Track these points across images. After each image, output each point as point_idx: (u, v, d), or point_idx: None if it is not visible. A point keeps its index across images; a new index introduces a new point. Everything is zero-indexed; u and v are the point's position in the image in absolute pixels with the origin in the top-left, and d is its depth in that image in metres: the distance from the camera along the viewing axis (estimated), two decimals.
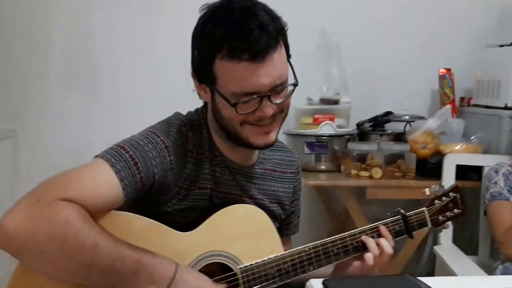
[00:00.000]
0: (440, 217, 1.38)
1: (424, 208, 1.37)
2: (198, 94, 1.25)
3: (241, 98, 1.13)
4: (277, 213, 1.38)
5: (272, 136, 1.22)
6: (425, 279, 0.96)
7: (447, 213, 1.38)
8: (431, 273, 2.49)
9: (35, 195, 1.02)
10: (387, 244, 1.28)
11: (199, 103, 1.32)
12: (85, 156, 1.18)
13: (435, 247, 2.19)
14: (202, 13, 1.17)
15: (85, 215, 1.02)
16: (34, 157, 2.69)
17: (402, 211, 1.34)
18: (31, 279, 1.04)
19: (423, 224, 1.36)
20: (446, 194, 1.39)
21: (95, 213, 1.06)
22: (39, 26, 2.67)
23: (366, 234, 1.30)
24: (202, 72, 1.18)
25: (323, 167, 2.47)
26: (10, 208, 1.01)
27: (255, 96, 1.13)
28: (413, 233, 1.35)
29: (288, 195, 1.41)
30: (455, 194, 1.40)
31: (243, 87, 1.12)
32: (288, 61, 1.19)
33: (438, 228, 1.38)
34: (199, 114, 1.28)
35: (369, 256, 1.26)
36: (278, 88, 1.14)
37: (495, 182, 2.03)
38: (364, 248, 1.28)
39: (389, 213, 1.36)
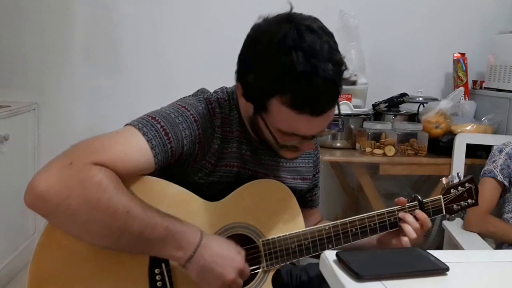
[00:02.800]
0: (455, 206, 1.39)
1: (440, 196, 1.38)
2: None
3: (286, 136, 1.15)
4: (300, 188, 1.40)
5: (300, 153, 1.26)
6: (433, 252, 0.95)
7: (462, 203, 1.40)
8: (439, 247, 2.54)
9: (68, 158, 1.01)
10: (424, 217, 1.31)
11: (220, 83, 1.34)
12: (107, 129, 1.14)
13: (444, 222, 2.22)
14: (269, 37, 1.09)
15: (117, 181, 1.03)
16: (57, 130, 2.77)
17: (419, 197, 1.35)
18: (60, 239, 1.05)
19: (438, 211, 1.37)
20: (461, 184, 1.41)
21: (128, 178, 1.07)
22: (62, 3, 2.73)
23: (383, 218, 1.31)
24: (253, 97, 1.15)
25: (338, 144, 2.52)
26: (41, 169, 1.00)
27: (301, 138, 1.15)
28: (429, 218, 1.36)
29: (309, 169, 1.43)
30: (470, 185, 1.42)
31: (293, 130, 1.13)
32: None
33: (451, 216, 1.40)
34: (229, 94, 1.28)
35: (408, 229, 1.28)
36: (323, 133, 1.18)
37: (494, 161, 2.07)
38: (381, 229, 1.30)
39: (407, 199, 1.36)
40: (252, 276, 1.23)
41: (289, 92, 1.06)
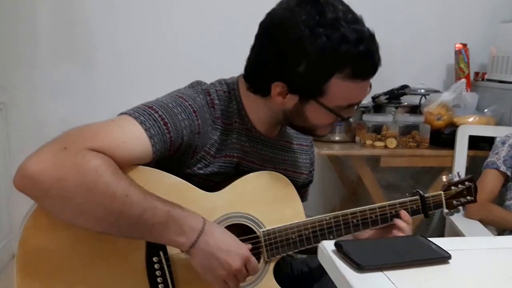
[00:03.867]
0: (454, 202, 1.44)
1: (441, 192, 1.43)
2: (254, 85, 1.21)
3: (343, 109, 1.17)
4: (298, 181, 1.40)
5: None
6: (435, 240, 0.96)
7: (461, 199, 1.45)
8: (441, 235, 2.55)
9: (62, 143, 0.98)
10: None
11: (201, 75, 1.32)
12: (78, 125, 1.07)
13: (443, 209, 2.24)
14: (303, 21, 1.08)
15: (115, 166, 1.01)
16: (27, 129, 2.62)
17: (420, 192, 1.39)
18: (48, 224, 1.03)
19: (438, 205, 1.41)
20: (462, 182, 1.46)
21: (124, 166, 1.04)
22: None
23: (385, 210, 1.32)
24: (305, 87, 1.14)
25: (337, 138, 2.49)
26: (32, 153, 0.97)
27: (355, 106, 1.19)
28: (429, 212, 1.40)
29: (306, 165, 1.44)
30: (470, 183, 1.47)
31: (351, 100, 1.16)
32: None
33: (451, 211, 1.45)
34: (229, 85, 1.27)
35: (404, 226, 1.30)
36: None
37: (497, 153, 2.08)
38: (382, 222, 1.31)
39: (407, 194, 1.39)
40: None
41: (349, 65, 1.08)
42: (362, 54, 1.09)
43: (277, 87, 1.15)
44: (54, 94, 2.67)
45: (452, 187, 1.44)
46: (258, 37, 1.18)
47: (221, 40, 2.63)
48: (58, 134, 1.03)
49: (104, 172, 0.98)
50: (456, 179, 1.47)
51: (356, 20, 1.10)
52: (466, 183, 1.47)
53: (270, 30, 1.14)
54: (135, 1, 2.65)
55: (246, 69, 1.22)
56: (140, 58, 2.68)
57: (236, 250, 1.10)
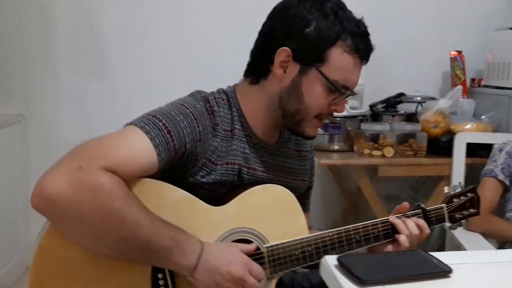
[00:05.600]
0: (457, 215, 1.39)
1: (443, 205, 1.38)
2: (256, 68, 1.27)
3: (336, 91, 1.22)
4: (300, 188, 1.41)
5: (318, 131, 1.33)
6: (436, 254, 0.97)
7: (464, 212, 1.40)
8: (441, 249, 2.54)
9: (76, 161, 1.01)
10: (413, 226, 1.29)
11: (210, 87, 1.34)
12: (96, 136, 1.13)
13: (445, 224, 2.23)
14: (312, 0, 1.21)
15: (127, 189, 1.04)
16: (45, 141, 2.72)
17: (422, 205, 1.35)
18: (61, 242, 1.05)
19: (441, 219, 1.37)
20: (464, 193, 1.41)
21: (133, 179, 1.08)
22: (43, 11, 2.67)
23: (387, 226, 1.30)
24: (310, 50, 1.20)
25: (336, 147, 2.51)
26: (49, 171, 1.00)
27: (348, 92, 1.24)
28: (431, 227, 1.35)
29: (306, 171, 1.45)
30: (472, 195, 1.41)
31: (346, 79, 1.22)
32: None
33: (453, 225, 1.40)
34: (227, 93, 1.30)
35: (403, 238, 1.26)
36: (354, 92, 1.27)
37: (494, 160, 2.06)
38: (384, 237, 1.29)
39: (409, 205, 1.35)
40: None
41: (351, 38, 1.19)
42: (361, 33, 1.21)
43: (281, 54, 1.20)
44: (72, 106, 2.77)
45: (454, 199, 1.39)
46: (265, 21, 1.27)
47: (230, 51, 2.66)
48: (75, 145, 1.07)
49: (118, 197, 1.01)
50: (458, 190, 1.41)
51: (353, 13, 1.25)
52: (469, 194, 1.42)
53: (277, 8, 1.25)
54: (147, 18, 2.76)
55: (249, 60, 1.30)
56: (152, 71, 2.79)
57: (235, 259, 1.12)
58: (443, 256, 0.95)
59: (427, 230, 1.30)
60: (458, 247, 1.97)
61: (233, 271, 1.10)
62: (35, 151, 2.73)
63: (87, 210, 0.98)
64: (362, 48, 1.21)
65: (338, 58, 1.19)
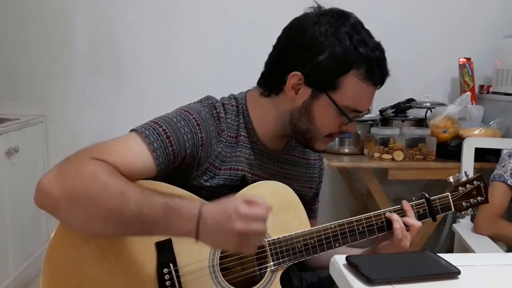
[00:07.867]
0: (464, 203, 1.38)
1: (448, 193, 1.37)
2: (269, 83, 1.26)
3: (349, 113, 1.22)
4: (305, 195, 1.41)
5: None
6: (444, 255, 0.95)
7: (471, 200, 1.39)
8: (450, 251, 2.56)
9: (68, 157, 1.06)
10: (410, 220, 1.29)
11: (227, 90, 1.37)
12: (113, 137, 1.17)
13: (454, 225, 2.23)
14: (331, 19, 1.19)
15: (112, 169, 1.04)
16: (65, 140, 2.85)
17: (426, 195, 1.34)
18: (69, 241, 1.09)
19: (447, 208, 1.36)
20: (470, 182, 1.39)
21: (129, 178, 1.07)
22: (66, 20, 2.82)
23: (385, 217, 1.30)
24: (322, 77, 1.19)
25: (346, 150, 2.53)
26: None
27: (359, 114, 1.24)
28: (437, 216, 1.35)
29: (314, 179, 1.45)
30: (478, 183, 1.40)
31: (358, 105, 1.21)
32: None
33: (461, 213, 1.39)
34: (238, 100, 1.31)
35: (396, 231, 1.27)
36: (366, 113, 1.28)
37: (503, 166, 2.07)
38: (388, 228, 1.29)
39: (413, 198, 1.36)
40: (260, 276, 1.25)
41: (365, 65, 1.17)
42: (377, 59, 1.19)
43: (293, 78, 1.20)
44: (91, 108, 2.89)
45: (460, 188, 1.38)
46: (280, 36, 1.26)
47: (241, 57, 2.76)
48: (92, 143, 1.11)
49: (101, 174, 1.02)
50: (464, 178, 1.40)
51: (370, 33, 1.21)
52: (475, 182, 1.39)
53: (293, 26, 1.23)
54: (160, 22, 2.85)
55: (263, 71, 1.29)
56: (168, 76, 2.88)
57: (232, 213, 1.04)
58: (451, 258, 0.94)
59: (416, 223, 1.28)
60: (466, 249, 1.97)
61: (233, 226, 1.03)
62: (55, 150, 2.86)
63: (74, 192, 1.00)
64: (377, 74, 1.19)
65: (351, 86, 1.18)
